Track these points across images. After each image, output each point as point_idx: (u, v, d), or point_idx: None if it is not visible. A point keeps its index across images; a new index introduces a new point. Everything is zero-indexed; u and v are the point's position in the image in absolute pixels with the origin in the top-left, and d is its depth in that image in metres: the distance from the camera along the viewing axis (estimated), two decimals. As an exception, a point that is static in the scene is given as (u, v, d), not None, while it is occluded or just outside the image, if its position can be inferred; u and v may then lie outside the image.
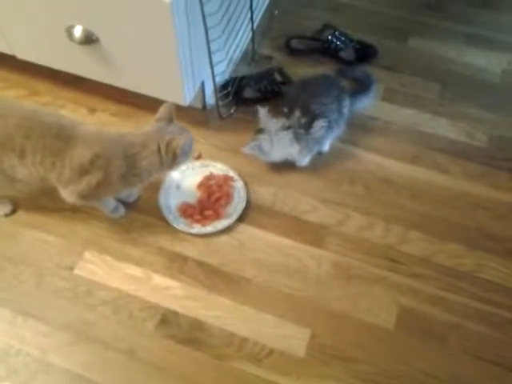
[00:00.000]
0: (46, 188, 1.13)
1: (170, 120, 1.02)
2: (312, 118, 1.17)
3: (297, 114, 1.17)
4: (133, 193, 1.17)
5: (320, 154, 1.27)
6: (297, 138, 1.17)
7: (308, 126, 1.17)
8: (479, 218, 1.19)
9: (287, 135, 1.16)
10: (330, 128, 1.20)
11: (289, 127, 1.17)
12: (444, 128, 1.36)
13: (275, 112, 1.22)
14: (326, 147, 1.27)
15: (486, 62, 1.52)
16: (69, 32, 1.12)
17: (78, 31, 1.11)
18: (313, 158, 1.26)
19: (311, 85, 1.24)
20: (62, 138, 0.96)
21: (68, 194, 1.02)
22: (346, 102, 1.24)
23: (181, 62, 1.10)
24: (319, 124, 1.16)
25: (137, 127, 1.31)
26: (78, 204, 1.06)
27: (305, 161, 1.24)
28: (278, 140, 1.17)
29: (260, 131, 1.17)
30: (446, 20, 1.63)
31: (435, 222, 1.18)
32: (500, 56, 1.53)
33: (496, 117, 1.38)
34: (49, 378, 0.97)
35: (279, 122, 1.17)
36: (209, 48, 1.14)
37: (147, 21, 1.03)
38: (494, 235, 1.16)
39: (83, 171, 0.97)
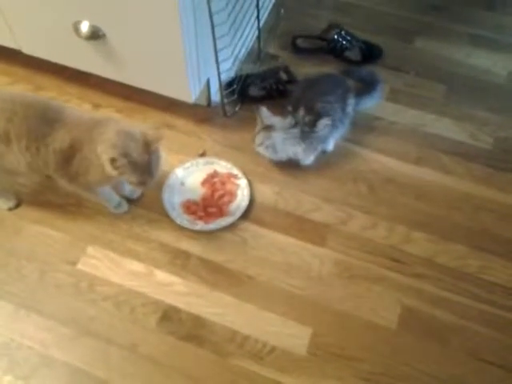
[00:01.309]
0: (49, 183, 1.14)
1: (147, 145, 0.93)
2: (316, 116, 1.17)
3: (301, 112, 1.17)
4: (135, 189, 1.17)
5: (324, 152, 1.27)
6: (302, 136, 1.17)
7: (312, 125, 1.17)
8: (483, 220, 1.19)
9: (295, 133, 1.16)
10: (334, 126, 1.20)
11: (296, 124, 1.17)
12: (449, 129, 1.35)
13: (280, 110, 1.22)
14: (330, 146, 1.27)
15: (491, 63, 1.51)
16: (75, 27, 1.12)
17: (84, 26, 1.11)
18: (317, 157, 1.25)
19: (316, 83, 1.24)
20: (46, 121, 0.94)
21: (64, 183, 1.01)
22: (351, 101, 1.24)
23: (187, 58, 1.10)
24: (323, 122, 1.16)
25: (141, 124, 1.33)
26: (80, 193, 1.05)
27: (309, 160, 1.24)
28: (287, 137, 1.17)
29: (267, 129, 1.17)
30: (451, 21, 1.63)
31: (439, 222, 1.18)
32: (506, 58, 1.53)
33: (501, 119, 1.38)
34: (50, 372, 0.97)
35: (286, 120, 1.17)
36: (215, 45, 1.14)
37: (154, 17, 1.03)
38: (497, 237, 1.16)
39: (66, 157, 0.95)
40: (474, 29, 1.61)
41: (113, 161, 0.89)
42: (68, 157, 0.96)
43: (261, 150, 1.19)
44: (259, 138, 1.18)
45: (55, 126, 0.94)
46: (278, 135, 1.16)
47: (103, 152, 0.90)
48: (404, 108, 1.40)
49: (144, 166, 0.93)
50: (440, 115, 1.38)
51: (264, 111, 1.19)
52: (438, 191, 1.23)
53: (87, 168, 0.97)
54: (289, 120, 1.17)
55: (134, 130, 0.93)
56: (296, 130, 1.16)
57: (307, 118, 1.17)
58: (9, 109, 0.94)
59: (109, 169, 0.91)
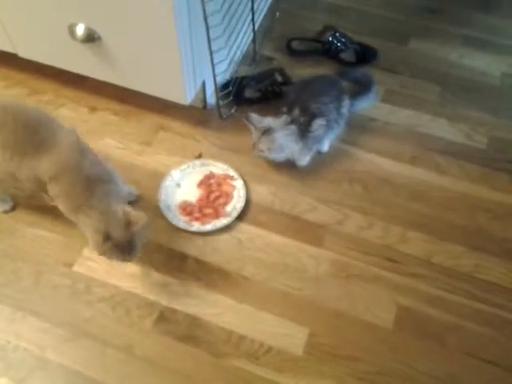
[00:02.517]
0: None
1: (127, 224, 0.92)
2: (311, 116, 1.17)
3: (296, 112, 1.18)
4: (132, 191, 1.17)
5: (319, 153, 1.28)
6: (299, 133, 1.17)
7: (307, 125, 1.17)
8: (478, 219, 1.19)
9: (294, 129, 1.17)
10: (329, 127, 1.20)
11: (292, 121, 1.17)
12: (444, 129, 1.36)
13: (275, 112, 1.22)
14: (325, 147, 1.28)
15: (485, 64, 1.52)
16: (71, 30, 1.13)
17: (80, 29, 1.12)
18: (312, 157, 1.26)
19: (311, 84, 1.24)
20: (34, 141, 0.92)
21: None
22: (346, 102, 1.25)
23: (182, 60, 1.11)
24: (318, 122, 1.17)
25: (137, 127, 1.34)
26: None
27: (305, 160, 1.24)
28: (288, 133, 1.17)
29: (267, 132, 1.16)
30: (446, 23, 1.65)
31: (434, 222, 1.18)
32: (499, 59, 1.54)
33: (496, 119, 1.39)
34: (46, 374, 0.97)
35: (281, 118, 1.18)
36: (210, 47, 1.15)
37: (149, 19, 1.04)
38: (493, 236, 1.16)
39: (42, 185, 0.94)
40: (468, 30, 1.62)
41: (97, 245, 0.90)
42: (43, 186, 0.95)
43: (265, 154, 1.19)
44: (264, 144, 1.17)
45: (41, 151, 0.92)
46: (279, 135, 1.16)
47: (89, 236, 0.92)
48: (399, 109, 1.40)
49: (127, 246, 0.93)
50: (435, 116, 1.39)
51: (254, 117, 1.19)
52: (433, 191, 1.24)
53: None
54: (284, 118, 1.18)
55: (116, 208, 0.93)
56: (294, 126, 1.17)
57: (302, 119, 1.17)
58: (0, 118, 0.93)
59: (94, 250, 0.91)
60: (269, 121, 1.18)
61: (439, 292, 1.08)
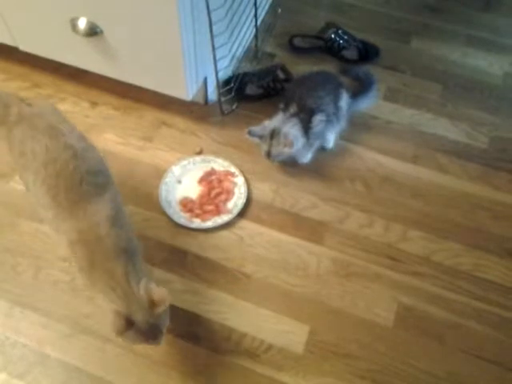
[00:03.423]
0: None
1: (151, 305, 0.80)
2: (310, 112, 1.17)
3: (293, 109, 1.17)
4: None
5: (325, 150, 1.28)
6: (302, 128, 1.17)
7: (307, 121, 1.17)
8: (479, 218, 1.19)
9: (296, 120, 1.16)
10: (329, 122, 1.20)
11: (291, 116, 1.17)
12: (445, 128, 1.36)
13: (274, 110, 1.22)
14: (330, 143, 1.27)
15: (487, 64, 1.52)
16: (73, 24, 1.12)
17: (82, 23, 1.11)
18: (314, 155, 1.25)
19: (307, 80, 1.24)
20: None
21: None
22: (343, 96, 1.24)
23: (185, 56, 1.10)
24: (318, 118, 1.17)
25: (138, 122, 1.33)
26: None
27: (307, 158, 1.24)
28: (294, 123, 1.16)
29: (275, 132, 1.15)
30: (448, 22, 1.64)
31: (435, 221, 1.18)
32: (501, 58, 1.54)
33: (497, 118, 1.39)
34: (45, 370, 0.96)
35: (279, 116, 1.18)
36: (213, 42, 1.14)
37: (152, 14, 1.03)
38: (493, 235, 1.17)
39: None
40: (470, 29, 1.62)
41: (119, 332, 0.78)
42: None
43: (285, 153, 1.17)
44: (278, 146, 1.15)
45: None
46: (288, 128, 1.14)
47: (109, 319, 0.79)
48: (401, 107, 1.40)
49: (151, 330, 0.82)
50: (436, 115, 1.39)
51: (254, 129, 1.16)
52: (434, 190, 1.24)
53: None
54: (281, 115, 1.18)
55: (138, 287, 0.81)
56: (294, 118, 1.16)
57: (301, 115, 1.17)
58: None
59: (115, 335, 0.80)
60: (269, 123, 1.17)
61: (439, 290, 1.08)
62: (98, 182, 0.87)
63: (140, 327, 0.79)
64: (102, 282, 0.81)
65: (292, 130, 1.15)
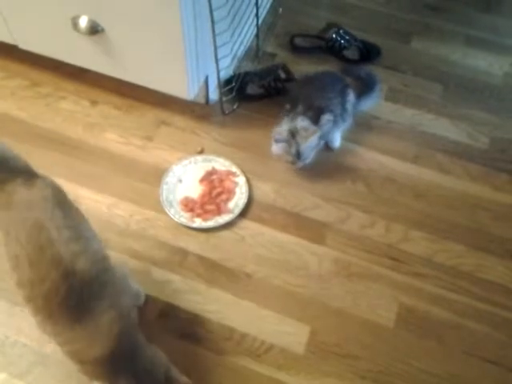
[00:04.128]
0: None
1: None
2: (318, 112, 1.17)
3: (299, 109, 1.17)
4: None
5: (332, 150, 1.28)
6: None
7: (315, 121, 1.16)
8: (480, 219, 1.19)
9: (303, 118, 1.16)
10: (335, 122, 1.20)
11: (300, 113, 1.17)
12: (446, 129, 1.36)
13: (278, 109, 1.22)
14: (337, 143, 1.28)
15: (487, 64, 1.52)
16: (74, 22, 1.11)
17: (83, 21, 1.10)
18: (316, 155, 1.25)
19: (315, 80, 1.24)
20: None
21: None
22: (350, 97, 1.24)
23: (186, 55, 1.10)
24: (326, 118, 1.17)
25: (139, 121, 1.32)
26: None
27: (309, 157, 1.23)
28: (303, 121, 1.16)
29: (294, 132, 1.14)
30: (448, 22, 1.64)
31: (436, 221, 1.18)
32: (502, 59, 1.54)
33: (498, 119, 1.39)
34: (46, 369, 0.96)
35: (285, 120, 1.17)
36: (215, 41, 1.14)
37: (154, 12, 1.03)
38: (494, 236, 1.17)
39: None
40: (470, 30, 1.62)
41: None
42: None
43: (313, 148, 1.17)
44: (304, 144, 1.15)
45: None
46: (303, 123, 1.14)
47: None
48: (401, 107, 1.40)
49: None
50: (437, 115, 1.39)
51: (278, 137, 1.15)
52: (436, 190, 1.24)
53: None
54: (285, 119, 1.17)
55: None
56: (302, 116, 1.16)
57: (309, 114, 1.16)
58: None
59: None
60: (281, 129, 1.16)
61: (441, 291, 1.08)
62: (92, 292, 0.74)
63: None
64: None
65: (306, 123, 1.14)
